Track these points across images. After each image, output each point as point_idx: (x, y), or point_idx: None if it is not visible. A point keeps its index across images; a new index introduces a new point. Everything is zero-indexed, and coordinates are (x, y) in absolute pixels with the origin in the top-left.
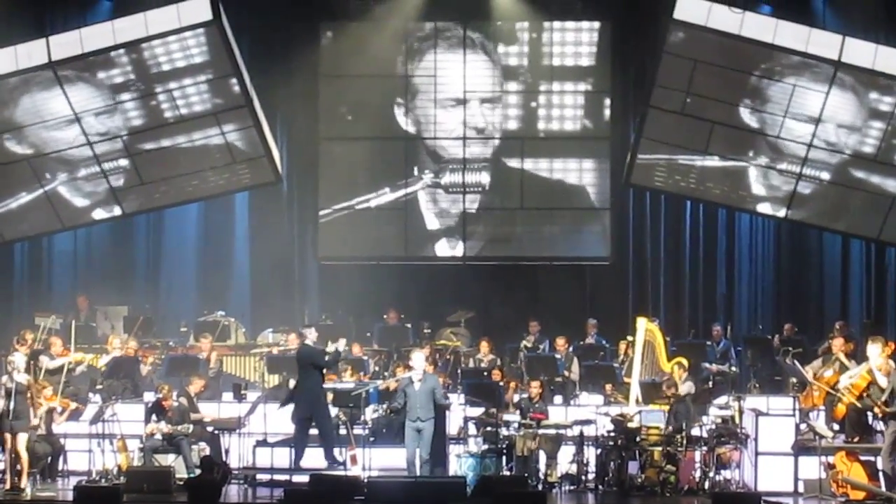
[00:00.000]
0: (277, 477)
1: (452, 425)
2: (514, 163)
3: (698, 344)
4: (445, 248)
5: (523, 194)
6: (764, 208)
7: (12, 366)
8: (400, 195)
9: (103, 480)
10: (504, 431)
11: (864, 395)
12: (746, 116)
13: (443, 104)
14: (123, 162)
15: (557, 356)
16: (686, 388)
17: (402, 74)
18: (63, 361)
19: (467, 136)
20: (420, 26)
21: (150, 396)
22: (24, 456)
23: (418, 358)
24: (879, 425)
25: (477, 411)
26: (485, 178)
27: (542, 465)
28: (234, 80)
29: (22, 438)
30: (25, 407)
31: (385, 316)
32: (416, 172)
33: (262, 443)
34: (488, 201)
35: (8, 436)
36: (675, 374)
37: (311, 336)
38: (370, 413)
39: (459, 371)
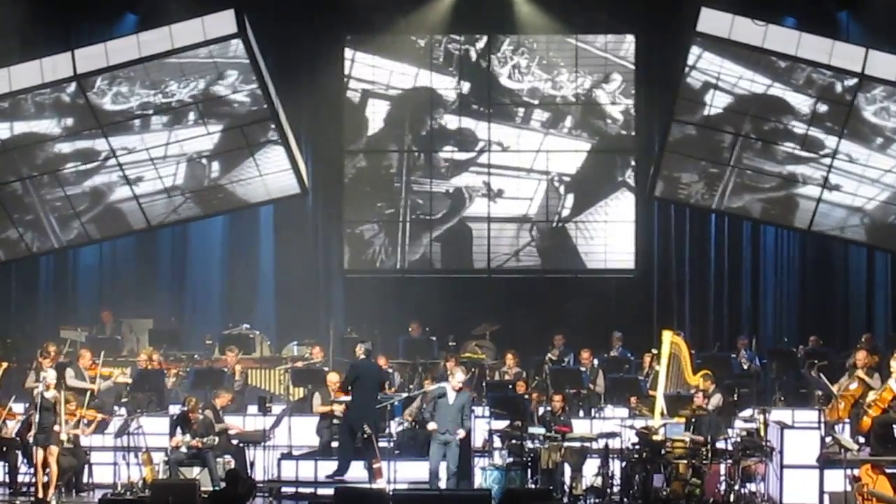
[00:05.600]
0: (302, 490)
1: (477, 438)
2: (538, 173)
3: (723, 357)
4: (470, 261)
5: (548, 205)
6: (789, 220)
7: (44, 381)
8: (425, 207)
9: (128, 493)
10: (529, 444)
11: (890, 407)
12: (771, 128)
13: (466, 115)
14: (148, 174)
15: (582, 369)
16: (714, 400)
17: (426, 86)
18: (87, 386)
19: (491, 147)
20: (445, 39)
21: (175, 409)
22: (54, 468)
23: (460, 374)
24: None
25: (502, 424)
26: (510, 188)
27: (567, 478)
28: (259, 93)
29: (53, 451)
30: (51, 422)
31: (409, 328)
32: (440, 184)
33: (287, 456)
34: (513, 213)
35: (34, 449)
36: (704, 387)
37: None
38: (395, 426)
39: (484, 384)
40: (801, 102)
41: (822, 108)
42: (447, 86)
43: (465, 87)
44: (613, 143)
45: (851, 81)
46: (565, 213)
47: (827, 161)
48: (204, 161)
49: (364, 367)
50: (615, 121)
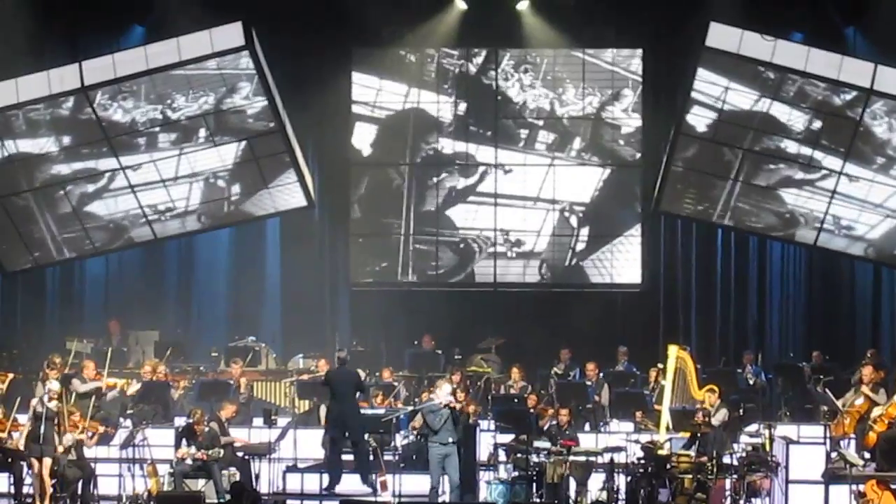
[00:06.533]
0: (307, 503)
1: (482, 452)
2: (546, 188)
3: (729, 371)
4: (477, 275)
5: (556, 220)
6: (794, 235)
7: (50, 394)
8: (431, 221)
9: None
10: (534, 458)
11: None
12: (776, 143)
13: (464, 138)
14: (155, 186)
15: (588, 383)
16: (720, 415)
17: (433, 100)
18: (95, 385)
19: (491, 172)
20: (451, 53)
21: (180, 421)
22: (48, 481)
23: (447, 385)
24: None
25: (507, 438)
26: (514, 220)
27: (572, 492)
28: (266, 105)
29: (46, 463)
30: (53, 434)
31: (416, 342)
32: (446, 198)
33: (293, 468)
34: (519, 227)
35: (34, 460)
36: (708, 403)
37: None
38: (400, 439)
39: (490, 398)
40: (795, 119)
41: (817, 123)
42: (443, 106)
43: (462, 106)
44: (620, 156)
45: (850, 95)
46: (580, 246)
47: (824, 184)
48: (221, 183)
49: (335, 375)
50: (629, 142)
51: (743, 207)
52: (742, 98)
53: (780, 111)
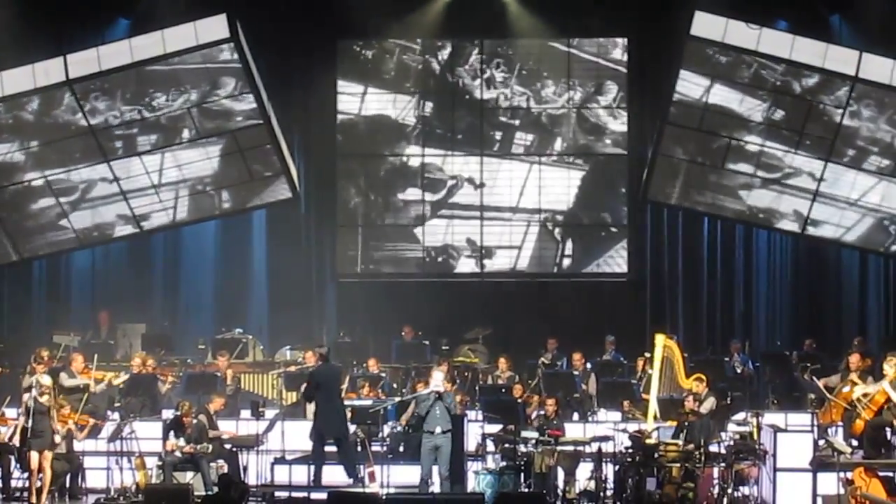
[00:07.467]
0: (295, 494)
1: (470, 442)
2: (531, 179)
3: (717, 360)
4: (464, 265)
5: (541, 210)
6: (781, 224)
7: (39, 388)
8: (417, 212)
9: (122, 498)
10: (522, 448)
11: (883, 410)
12: (763, 134)
13: (458, 120)
14: (141, 179)
15: (575, 372)
16: (708, 404)
17: (419, 91)
18: (83, 382)
19: (484, 152)
20: (437, 44)
21: (168, 414)
22: (48, 473)
23: (438, 373)
24: None
25: (495, 428)
26: (503, 193)
27: (560, 482)
28: (251, 97)
29: (48, 456)
30: (46, 426)
31: (402, 332)
32: (433, 189)
33: (281, 460)
34: (506, 217)
35: (29, 453)
36: (697, 390)
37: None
38: (388, 430)
39: (477, 388)
40: (753, 108)
41: (779, 113)
42: (439, 89)
43: (457, 90)
44: (606, 146)
45: (813, 79)
46: (566, 262)
47: (796, 182)
48: (210, 189)
49: (323, 372)
50: (614, 135)
51: (713, 195)
52: (690, 85)
53: (735, 99)
